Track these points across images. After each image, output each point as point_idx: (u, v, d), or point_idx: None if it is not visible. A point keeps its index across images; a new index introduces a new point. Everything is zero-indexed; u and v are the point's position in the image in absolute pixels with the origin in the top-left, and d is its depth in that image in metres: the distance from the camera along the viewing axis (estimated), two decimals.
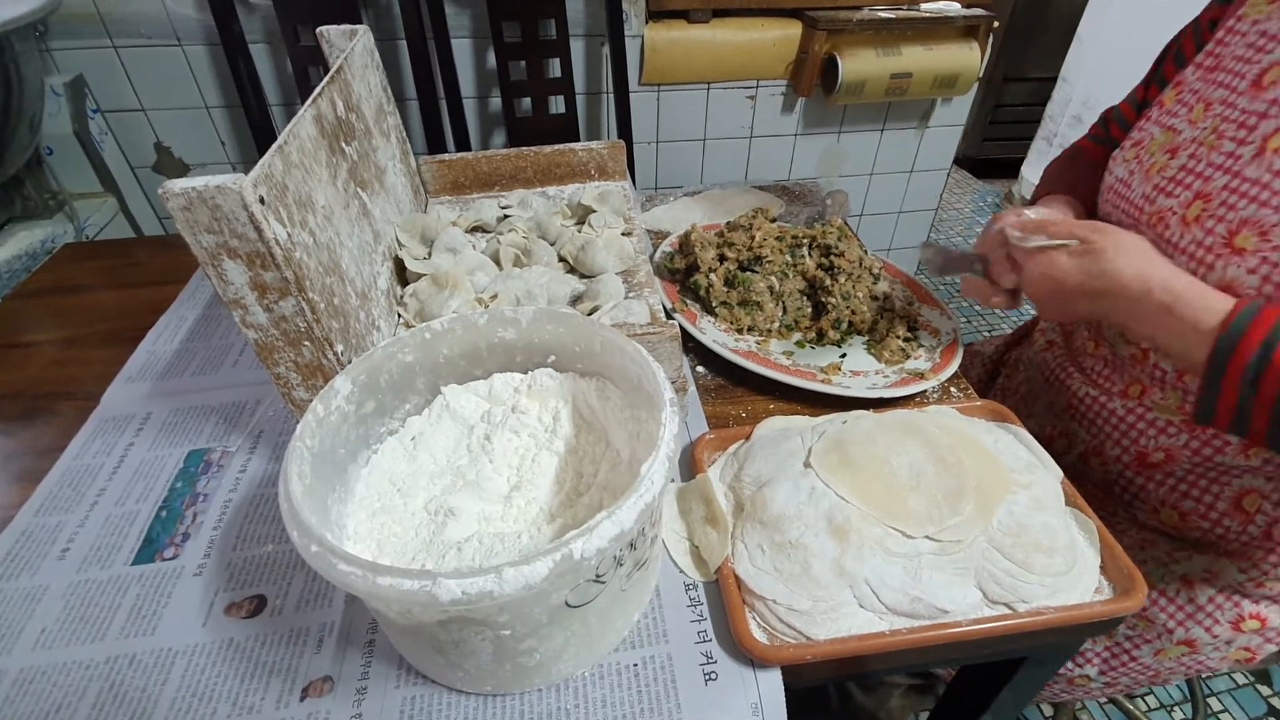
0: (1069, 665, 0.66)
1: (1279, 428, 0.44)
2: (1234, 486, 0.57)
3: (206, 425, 0.63)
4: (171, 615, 0.48)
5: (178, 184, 0.40)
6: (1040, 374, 0.72)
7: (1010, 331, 0.88)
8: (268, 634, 0.47)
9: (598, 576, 0.38)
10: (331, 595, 0.49)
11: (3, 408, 0.67)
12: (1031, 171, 2.59)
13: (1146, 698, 1.22)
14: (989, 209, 2.71)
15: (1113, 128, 0.72)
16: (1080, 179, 0.70)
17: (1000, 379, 0.82)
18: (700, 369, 0.68)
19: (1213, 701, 1.21)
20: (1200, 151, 0.55)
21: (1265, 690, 1.24)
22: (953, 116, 1.74)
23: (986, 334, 2.13)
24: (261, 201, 0.42)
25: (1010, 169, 2.68)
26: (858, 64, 1.47)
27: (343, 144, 0.60)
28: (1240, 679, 1.25)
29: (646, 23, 1.44)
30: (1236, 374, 0.44)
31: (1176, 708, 1.20)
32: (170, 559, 0.52)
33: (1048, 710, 1.18)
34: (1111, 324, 0.63)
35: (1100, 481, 0.65)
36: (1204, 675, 0.67)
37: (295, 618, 0.48)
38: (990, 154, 2.79)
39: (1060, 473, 0.53)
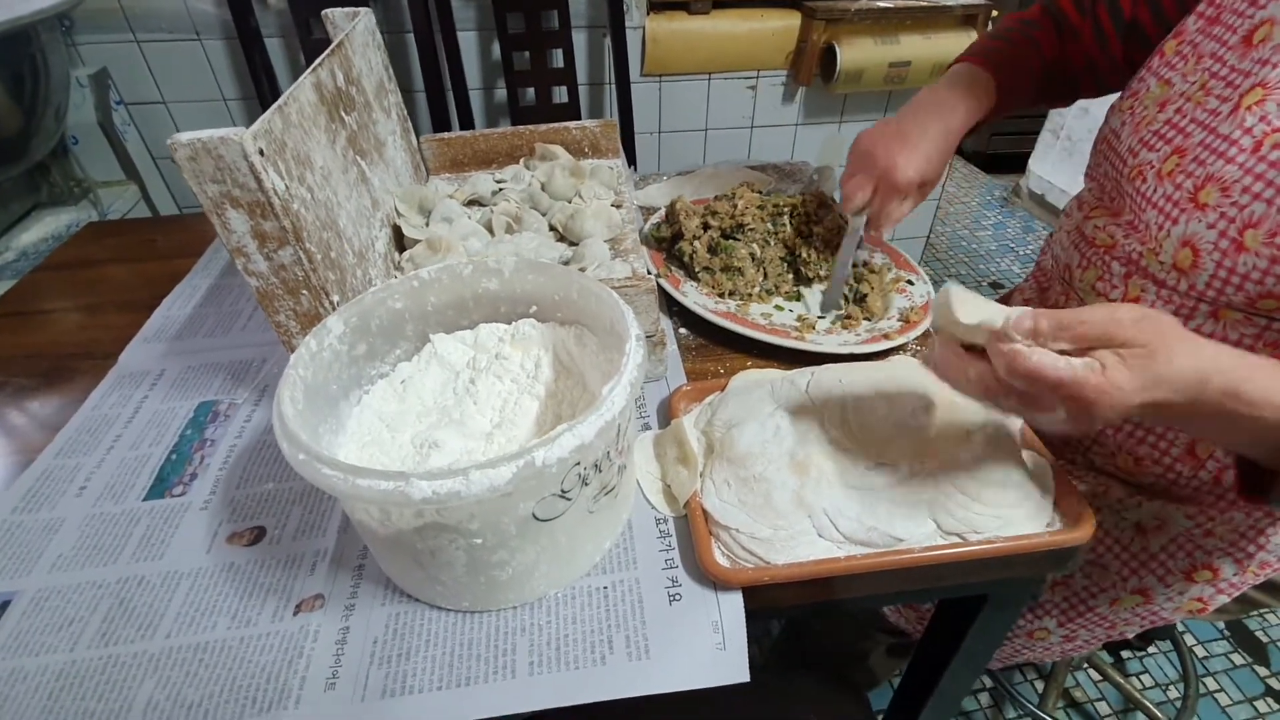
0: (1028, 617, 0.68)
1: None
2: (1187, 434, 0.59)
3: (216, 380, 0.67)
4: (178, 543, 0.52)
5: (184, 135, 0.44)
6: None
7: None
8: (266, 559, 0.50)
9: (563, 492, 0.41)
10: (326, 525, 0.52)
11: (28, 365, 0.72)
12: (1039, 166, 2.58)
13: (1141, 676, 1.23)
14: (996, 203, 2.72)
15: (1100, 9, 0.67)
16: (1017, 65, 0.69)
17: None
18: (683, 331, 0.71)
19: (1209, 681, 1.22)
20: (1186, 107, 0.55)
21: (1263, 671, 1.24)
22: None
23: None
24: (261, 153, 0.46)
25: (1018, 164, 2.68)
26: (856, 53, 1.49)
27: (342, 113, 0.63)
28: (1238, 659, 1.25)
29: (647, 14, 1.48)
30: None
31: (1171, 686, 1.21)
32: (179, 495, 0.56)
33: (1040, 687, 1.19)
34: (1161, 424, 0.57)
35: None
36: (1158, 625, 0.68)
37: (292, 545, 0.51)
38: (998, 149, 2.79)
39: (1019, 419, 0.55)
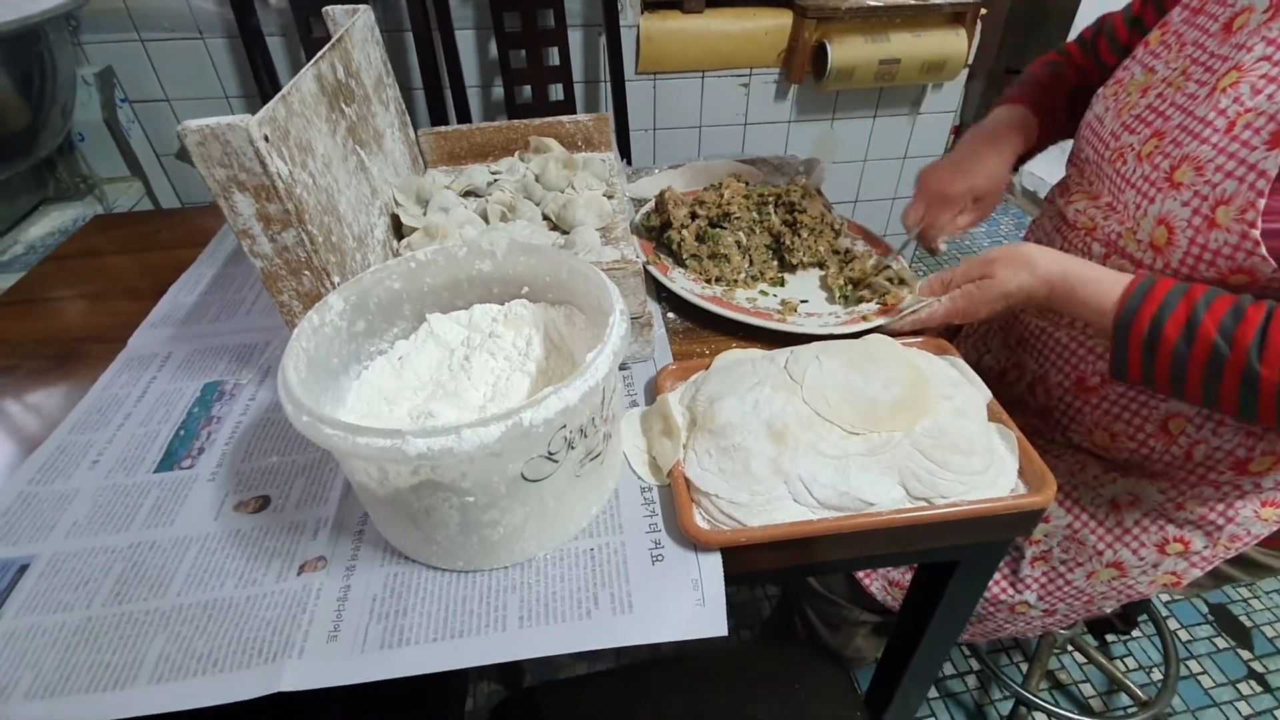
0: (1010, 591, 0.71)
1: (1177, 384, 0.52)
2: (1161, 410, 0.62)
3: (221, 362, 0.70)
4: (187, 511, 0.54)
5: (194, 122, 0.47)
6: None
7: None
8: (271, 526, 0.53)
9: (550, 454, 0.44)
10: (327, 495, 0.55)
11: (39, 349, 0.74)
12: (1033, 163, 2.61)
13: (1125, 659, 1.25)
14: None
15: (1100, 43, 0.77)
16: (1050, 99, 0.78)
17: (965, 327, 0.86)
18: (671, 315, 0.74)
19: (1192, 664, 1.24)
20: (1167, 92, 0.58)
21: (1246, 654, 1.26)
22: (944, 103, 1.78)
23: None
24: (266, 139, 0.49)
25: None
26: (846, 50, 1.52)
27: (342, 104, 0.66)
28: (1221, 643, 1.28)
29: (641, 13, 1.50)
30: (1136, 345, 0.52)
31: (1155, 669, 1.23)
32: (187, 468, 0.58)
33: (1026, 669, 1.21)
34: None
35: (1042, 408, 0.69)
36: (1135, 599, 0.71)
37: (295, 513, 0.54)
38: None
39: (989, 393, 0.57)
